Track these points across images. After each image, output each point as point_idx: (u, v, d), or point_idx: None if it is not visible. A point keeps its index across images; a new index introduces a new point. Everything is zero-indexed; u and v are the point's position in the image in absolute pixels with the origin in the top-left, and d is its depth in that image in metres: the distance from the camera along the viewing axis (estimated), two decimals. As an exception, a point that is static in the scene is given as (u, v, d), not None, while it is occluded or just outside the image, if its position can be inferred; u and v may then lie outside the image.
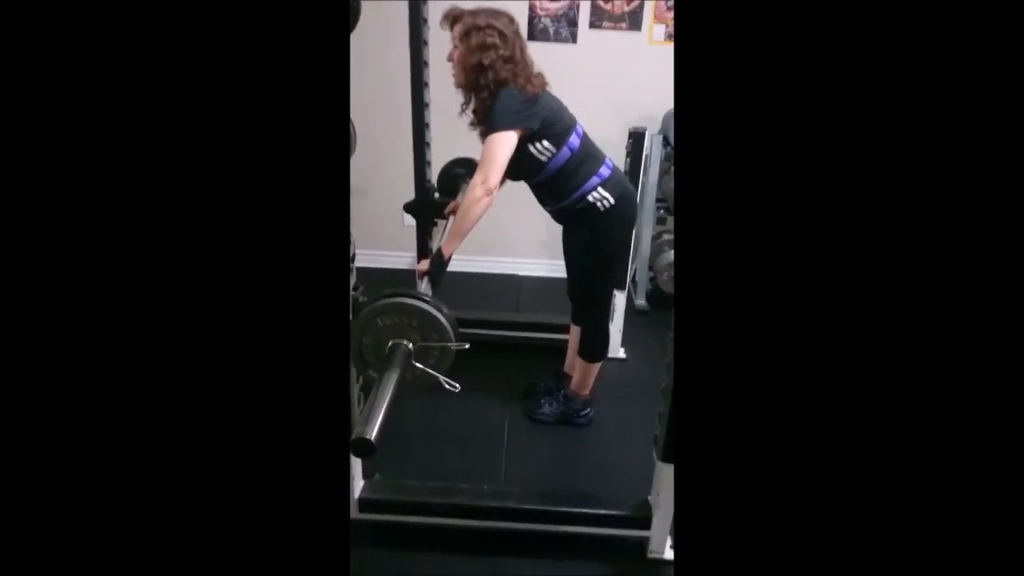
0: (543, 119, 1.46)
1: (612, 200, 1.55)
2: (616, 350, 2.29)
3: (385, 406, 1.00)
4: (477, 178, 1.43)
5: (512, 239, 2.82)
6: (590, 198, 1.54)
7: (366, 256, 2.76)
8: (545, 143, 1.49)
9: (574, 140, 1.53)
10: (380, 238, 2.80)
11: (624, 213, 1.61)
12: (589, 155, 1.56)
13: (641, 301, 2.63)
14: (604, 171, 1.56)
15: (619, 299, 2.22)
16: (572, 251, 1.69)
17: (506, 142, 1.41)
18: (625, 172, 2.09)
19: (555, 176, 1.53)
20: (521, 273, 2.93)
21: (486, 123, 1.46)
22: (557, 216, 1.65)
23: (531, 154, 1.49)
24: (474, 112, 1.54)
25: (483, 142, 1.47)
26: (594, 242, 1.61)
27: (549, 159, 1.50)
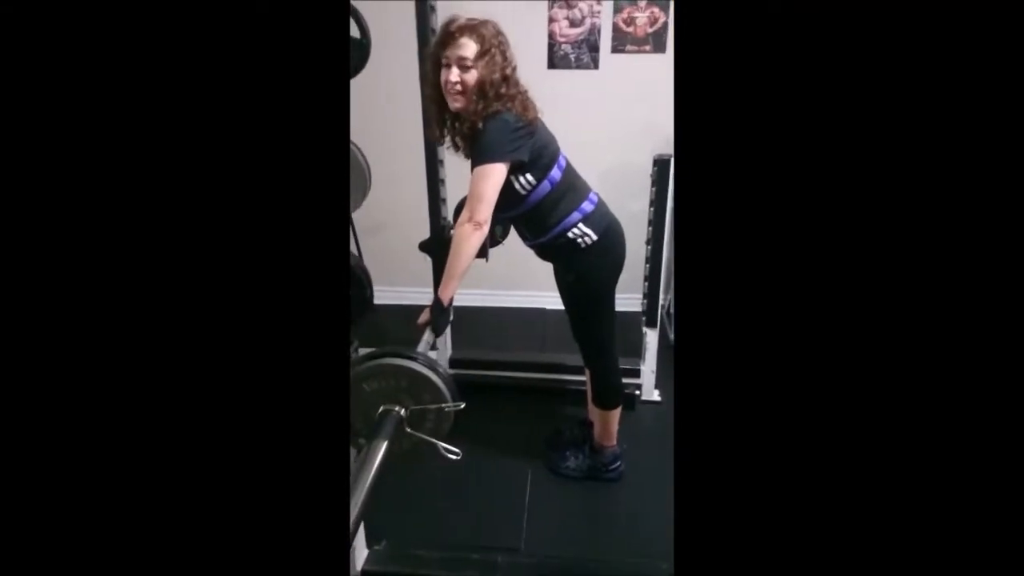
0: (532, 151, 1.33)
1: (595, 237, 1.42)
2: (650, 392, 2.12)
3: (367, 486, 0.88)
4: (464, 215, 1.31)
5: (536, 271, 2.71)
6: (570, 234, 1.42)
7: (384, 293, 2.71)
8: (528, 176, 1.36)
9: (555, 173, 1.39)
10: (398, 274, 2.73)
11: (609, 250, 1.47)
12: (571, 188, 1.43)
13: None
14: (587, 206, 1.43)
15: (650, 337, 2.07)
16: (561, 291, 1.58)
17: (496, 175, 1.29)
18: (651, 201, 1.96)
19: (533, 211, 1.41)
20: (548, 307, 2.80)
21: (475, 153, 1.33)
22: (538, 252, 1.53)
23: (512, 187, 1.36)
24: (461, 137, 1.41)
25: (472, 171, 1.34)
26: (577, 282, 1.49)
27: (529, 193, 1.38)
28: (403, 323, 1.81)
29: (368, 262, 1.86)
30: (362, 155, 1.80)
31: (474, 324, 2.65)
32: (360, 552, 1.34)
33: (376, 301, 1.83)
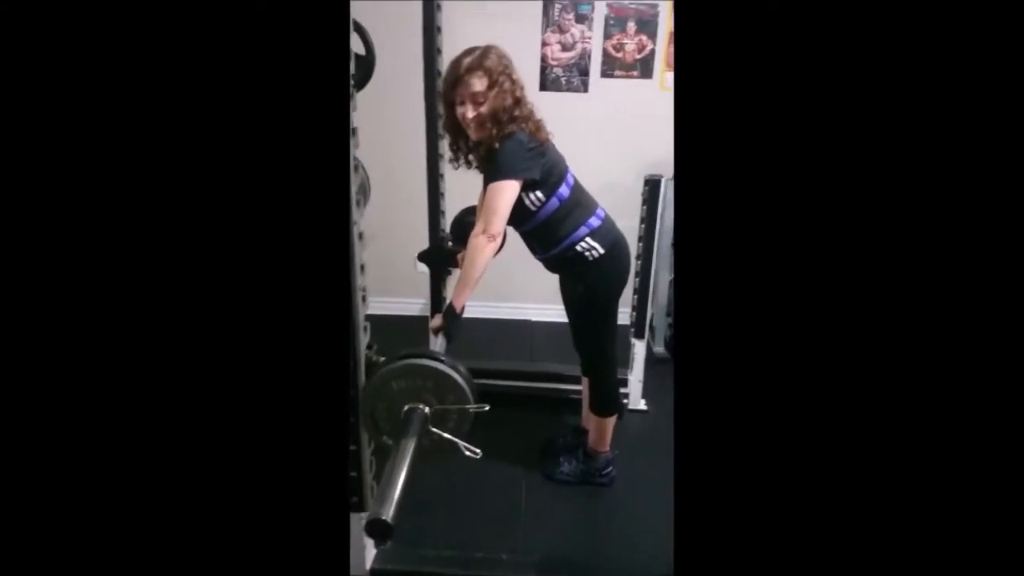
0: (543, 170, 1.42)
1: (602, 250, 1.51)
2: (636, 402, 2.21)
3: (402, 479, 0.93)
4: (478, 227, 1.39)
5: (523, 284, 2.78)
6: (578, 248, 1.50)
7: (378, 303, 2.73)
8: (538, 193, 1.44)
9: (563, 190, 1.48)
10: (393, 285, 2.77)
11: (615, 262, 1.56)
12: (578, 204, 1.51)
13: (660, 348, 2.55)
14: (594, 221, 1.52)
15: (638, 348, 2.16)
16: (567, 302, 1.65)
17: (509, 191, 1.37)
18: (641, 220, 2.06)
19: (542, 226, 1.49)
20: (534, 319, 2.88)
21: (490, 170, 1.41)
22: (547, 265, 1.62)
23: (523, 203, 1.44)
24: (476, 157, 1.49)
25: (484, 187, 1.43)
26: (585, 293, 1.57)
27: (538, 209, 1.46)
28: (398, 333, 1.85)
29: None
30: (362, 166, 1.85)
31: (462, 335, 2.70)
32: (369, 551, 1.38)
33: (371, 311, 1.87)
